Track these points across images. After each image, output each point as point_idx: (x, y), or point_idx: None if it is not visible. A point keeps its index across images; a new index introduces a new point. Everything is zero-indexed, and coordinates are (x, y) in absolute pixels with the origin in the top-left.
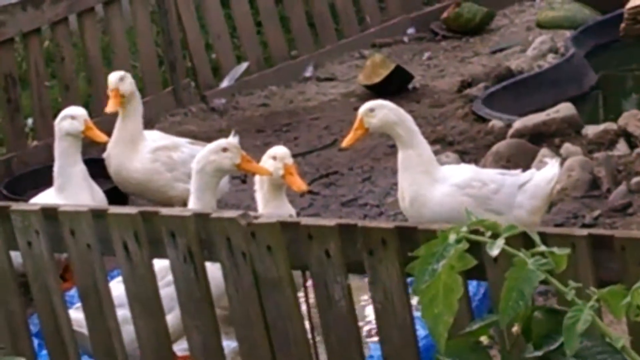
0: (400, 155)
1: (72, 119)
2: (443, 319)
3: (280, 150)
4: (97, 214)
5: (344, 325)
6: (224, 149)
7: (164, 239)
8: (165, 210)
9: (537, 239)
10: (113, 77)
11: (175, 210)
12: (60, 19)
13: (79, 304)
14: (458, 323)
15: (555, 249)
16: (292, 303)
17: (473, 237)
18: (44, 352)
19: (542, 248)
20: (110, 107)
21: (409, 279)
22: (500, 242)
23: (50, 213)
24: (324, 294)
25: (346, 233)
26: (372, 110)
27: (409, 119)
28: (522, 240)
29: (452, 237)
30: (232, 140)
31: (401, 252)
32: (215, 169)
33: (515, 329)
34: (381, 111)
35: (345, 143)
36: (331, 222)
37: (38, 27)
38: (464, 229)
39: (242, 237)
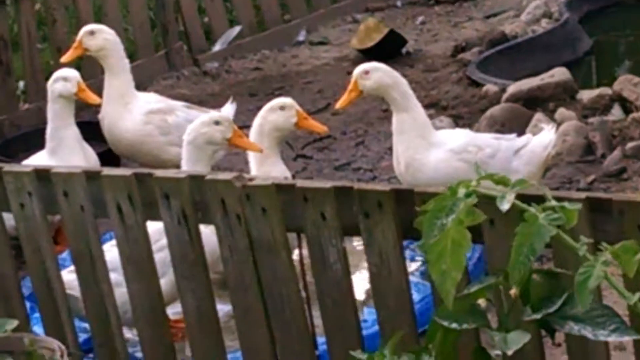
0: (395, 119)
1: (64, 80)
2: (451, 275)
3: (287, 100)
4: (91, 176)
5: (339, 289)
6: (216, 122)
7: (158, 201)
8: (159, 172)
9: (548, 194)
10: (82, 29)
11: (170, 172)
12: None
13: (71, 267)
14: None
15: (566, 204)
16: (287, 266)
17: (483, 190)
18: (37, 314)
19: (553, 203)
20: (64, 57)
21: (405, 242)
22: (511, 196)
23: (43, 174)
24: (319, 257)
25: (342, 195)
26: (366, 72)
27: (403, 82)
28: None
29: (462, 192)
30: (225, 114)
31: (397, 215)
32: (205, 141)
33: (513, 291)
34: (376, 73)
35: (339, 105)
36: (327, 184)
37: None
38: (474, 183)
39: (237, 199)
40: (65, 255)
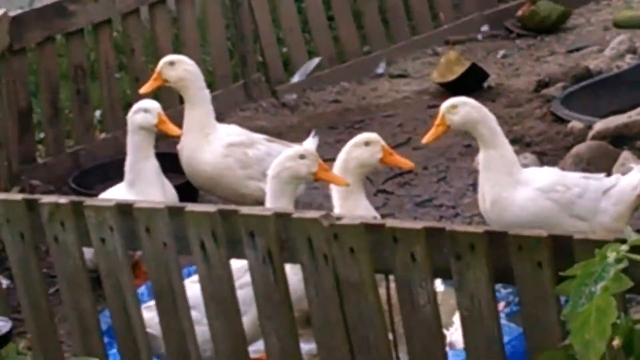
0: (482, 155)
1: (145, 112)
2: (595, 345)
3: (372, 136)
4: (174, 212)
5: (428, 332)
6: (302, 156)
7: (242, 239)
8: (244, 209)
9: None
10: (162, 60)
11: (255, 209)
12: (131, 10)
13: (150, 303)
14: (550, 336)
15: None
16: (375, 307)
17: (635, 256)
18: (114, 350)
19: None
20: (143, 88)
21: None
22: None
23: (125, 209)
24: (409, 299)
25: (433, 236)
26: (454, 106)
27: (491, 117)
28: None
29: (612, 256)
30: (310, 147)
31: (490, 258)
32: (290, 175)
33: (615, 342)
34: (464, 108)
35: (425, 140)
36: (417, 225)
37: (109, 18)
38: (624, 247)
39: (324, 238)
40: (142, 289)
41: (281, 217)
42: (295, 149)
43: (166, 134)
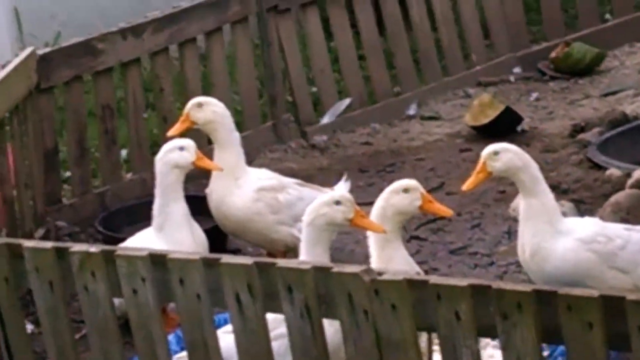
0: (523, 203)
1: (181, 149)
2: None
3: (411, 182)
4: (209, 263)
5: None
6: (337, 202)
7: (279, 293)
8: (282, 262)
9: None
10: (190, 102)
11: (293, 262)
12: (160, 48)
13: (181, 354)
14: None
15: None
16: None
17: None
18: None
19: None
20: (171, 130)
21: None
22: None
23: (158, 259)
24: (452, 358)
25: (479, 294)
26: (496, 153)
27: (534, 165)
28: None
29: None
30: (346, 193)
31: (538, 317)
32: (326, 222)
33: None
34: (506, 155)
35: (466, 186)
36: (462, 282)
37: (137, 57)
38: None
39: (365, 294)
40: (170, 337)
41: (320, 271)
42: (330, 194)
43: (207, 170)
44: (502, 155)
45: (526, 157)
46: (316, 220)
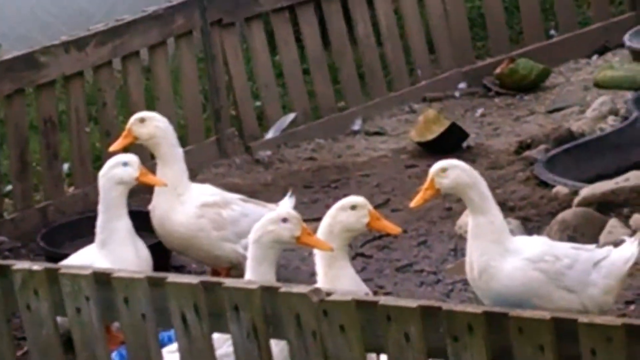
0: (471, 221)
1: (124, 165)
2: None
3: (359, 199)
4: (154, 282)
5: None
6: (284, 219)
7: (226, 313)
8: (229, 282)
9: None
10: (133, 117)
11: (240, 282)
12: (103, 62)
13: None
14: None
15: None
16: None
17: None
18: None
19: None
20: (113, 146)
21: None
22: None
23: (102, 278)
24: None
25: (429, 316)
26: (444, 170)
27: (482, 182)
28: None
29: None
30: (293, 211)
31: (489, 340)
32: (272, 240)
33: None
34: (454, 171)
35: (414, 203)
36: (412, 303)
37: (80, 70)
38: None
39: (313, 314)
40: (113, 355)
41: (268, 291)
42: (277, 212)
43: (150, 185)
44: (451, 172)
45: (475, 174)
46: (263, 237)
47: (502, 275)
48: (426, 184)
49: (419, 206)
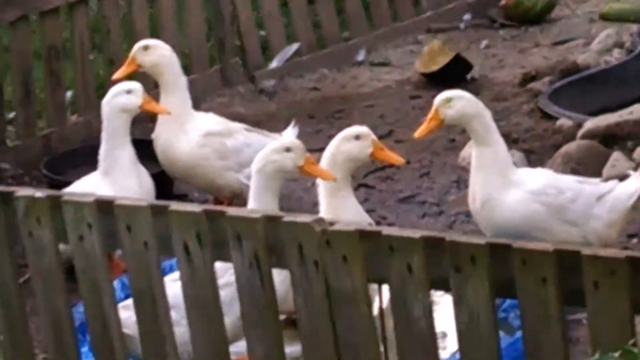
0: (475, 152)
1: (128, 93)
2: None
3: (362, 129)
4: (157, 210)
5: (422, 346)
6: (287, 149)
7: (228, 242)
8: (232, 210)
9: None
10: (136, 45)
11: (243, 211)
12: None
13: (127, 302)
14: (552, 356)
15: None
16: (367, 319)
17: None
18: (85, 348)
19: None
20: (116, 74)
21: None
22: None
23: (105, 206)
24: (403, 311)
25: (432, 247)
26: (449, 100)
27: (487, 113)
28: None
29: None
30: (296, 140)
31: (492, 271)
32: (276, 169)
33: None
34: (459, 102)
35: (418, 134)
36: (415, 234)
37: None
38: None
39: (316, 244)
40: (114, 284)
41: (271, 221)
42: (280, 141)
43: (153, 114)
44: (455, 102)
45: (479, 105)
46: (266, 167)
47: (504, 207)
48: (430, 115)
49: (423, 137)
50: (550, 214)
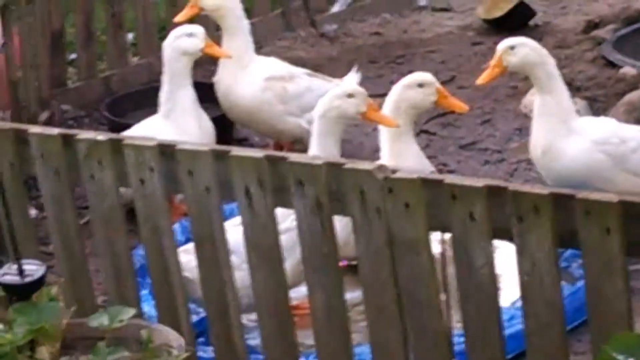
0: (538, 100)
1: (189, 36)
2: None
3: (426, 76)
4: (219, 155)
5: (484, 295)
6: (350, 95)
7: (290, 187)
8: (294, 156)
9: None
10: None
11: (305, 157)
12: None
13: (187, 246)
14: (615, 306)
15: None
16: (428, 267)
17: None
18: (145, 291)
19: None
20: (178, 16)
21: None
22: None
23: (167, 150)
24: (465, 260)
25: (494, 195)
26: (512, 47)
27: (551, 61)
28: None
29: None
30: (354, 84)
31: (555, 221)
32: (338, 115)
33: None
34: (522, 49)
35: (480, 80)
36: (478, 182)
37: None
38: None
39: (378, 191)
40: (175, 227)
41: (332, 167)
42: (343, 87)
43: (215, 57)
44: (519, 49)
45: (543, 52)
46: (328, 112)
47: (565, 156)
48: (494, 61)
49: (486, 83)
50: (613, 164)
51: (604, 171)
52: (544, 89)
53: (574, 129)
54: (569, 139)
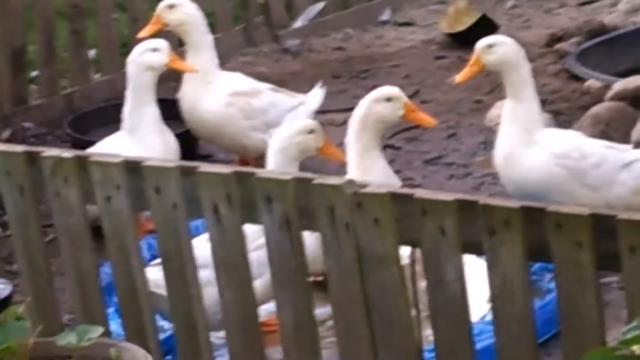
0: (507, 106)
1: (154, 51)
2: None
3: (394, 91)
4: (186, 171)
5: (455, 309)
6: (311, 131)
7: (258, 203)
8: (262, 172)
9: None
10: (161, 4)
11: (274, 173)
12: None
13: (154, 262)
14: (587, 320)
15: None
16: (398, 282)
17: None
18: (111, 309)
19: None
20: (141, 32)
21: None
22: None
23: (133, 166)
24: (436, 274)
25: (465, 210)
26: (491, 46)
27: (527, 65)
28: None
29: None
30: (316, 122)
31: (526, 235)
32: (300, 150)
33: None
34: (501, 48)
35: (459, 79)
36: (449, 196)
37: None
38: None
39: (347, 206)
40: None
41: (301, 183)
42: (305, 123)
43: (180, 72)
44: (497, 48)
45: (521, 54)
46: (290, 148)
47: (523, 165)
48: (472, 60)
49: (464, 82)
50: (571, 178)
51: (562, 185)
52: (515, 94)
53: (536, 140)
54: (530, 149)
